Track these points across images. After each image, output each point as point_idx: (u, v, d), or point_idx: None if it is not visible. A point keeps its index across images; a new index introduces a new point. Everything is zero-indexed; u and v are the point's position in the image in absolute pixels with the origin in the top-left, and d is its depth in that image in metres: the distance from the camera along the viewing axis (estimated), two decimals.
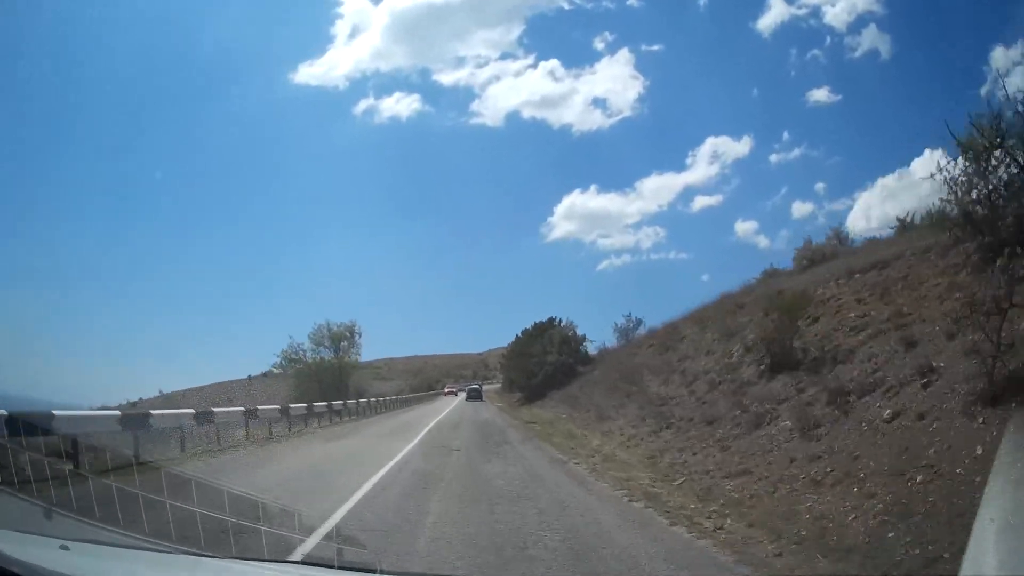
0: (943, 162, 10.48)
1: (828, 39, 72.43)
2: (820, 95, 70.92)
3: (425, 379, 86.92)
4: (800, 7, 77.53)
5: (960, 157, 10.96)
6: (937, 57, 58.10)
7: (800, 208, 78.24)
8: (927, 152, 59.01)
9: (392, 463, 11.97)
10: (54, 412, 10.10)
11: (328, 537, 4.69)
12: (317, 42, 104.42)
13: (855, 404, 9.62)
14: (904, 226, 21.38)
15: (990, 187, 10.17)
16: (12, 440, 8.42)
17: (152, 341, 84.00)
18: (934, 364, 8.89)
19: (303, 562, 3.65)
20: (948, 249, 12.43)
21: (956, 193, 12.41)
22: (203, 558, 3.10)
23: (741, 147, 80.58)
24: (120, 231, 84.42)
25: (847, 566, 5.28)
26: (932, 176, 10.68)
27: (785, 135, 77.04)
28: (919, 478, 6.56)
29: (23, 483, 4.67)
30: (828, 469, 8.00)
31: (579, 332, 42.43)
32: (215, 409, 16.36)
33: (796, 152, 74.26)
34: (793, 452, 9.20)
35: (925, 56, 60.27)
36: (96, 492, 4.16)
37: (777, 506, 7.52)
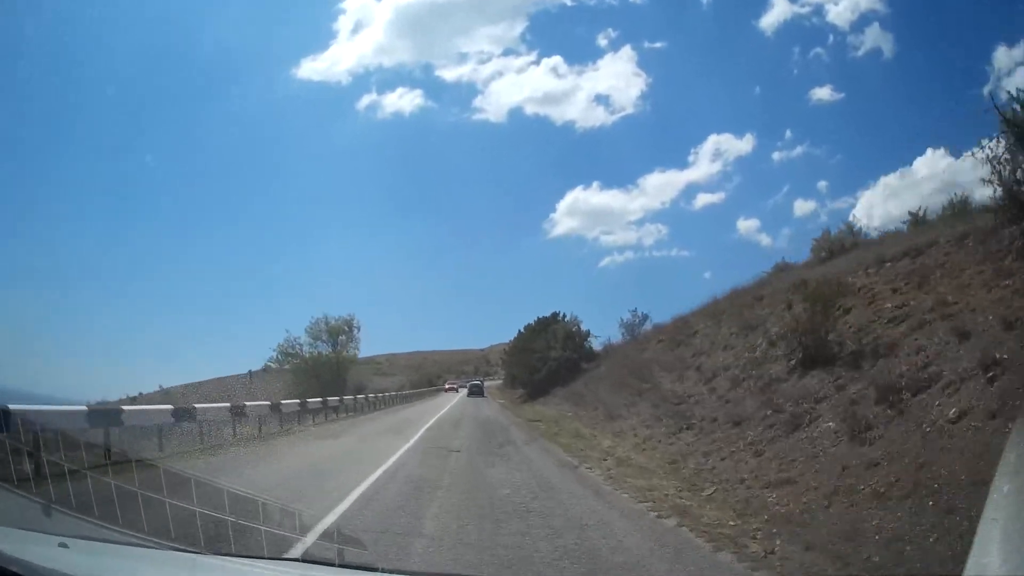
0: (985, 141, 9.60)
1: (831, 38, 74.47)
2: (823, 93, 71.86)
3: (426, 375, 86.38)
4: (803, 5, 76.96)
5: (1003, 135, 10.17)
6: (939, 56, 57.97)
7: (802, 206, 79.46)
8: (929, 151, 59.27)
9: (385, 467, 10.77)
10: (9, 407, 8.96)
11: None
12: (320, 37, 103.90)
13: (910, 402, 8.46)
14: (917, 220, 20.46)
15: None
16: None
17: (155, 338, 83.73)
18: (997, 356, 7.77)
19: (303, 559, 3.61)
20: (989, 234, 11.59)
21: (999, 173, 11.41)
22: (202, 556, 3.03)
23: (743, 145, 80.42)
24: (122, 228, 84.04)
25: None
26: (972, 154, 9.78)
27: (788, 133, 77.68)
28: (1005, 488, 5.38)
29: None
30: (892, 478, 6.82)
31: (583, 327, 41.40)
32: (197, 406, 15.12)
33: (798, 150, 74.23)
34: (844, 458, 8.02)
35: (928, 55, 60.14)
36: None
37: (836, 524, 6.35)
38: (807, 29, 68.65)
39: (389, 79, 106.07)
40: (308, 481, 9.38)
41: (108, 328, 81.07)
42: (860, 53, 63.64)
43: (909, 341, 10.29)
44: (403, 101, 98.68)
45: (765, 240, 73.90)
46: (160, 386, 64.25)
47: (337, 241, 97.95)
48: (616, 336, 35.16)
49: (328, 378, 42.38)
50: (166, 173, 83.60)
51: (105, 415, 11.75)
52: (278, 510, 4.06)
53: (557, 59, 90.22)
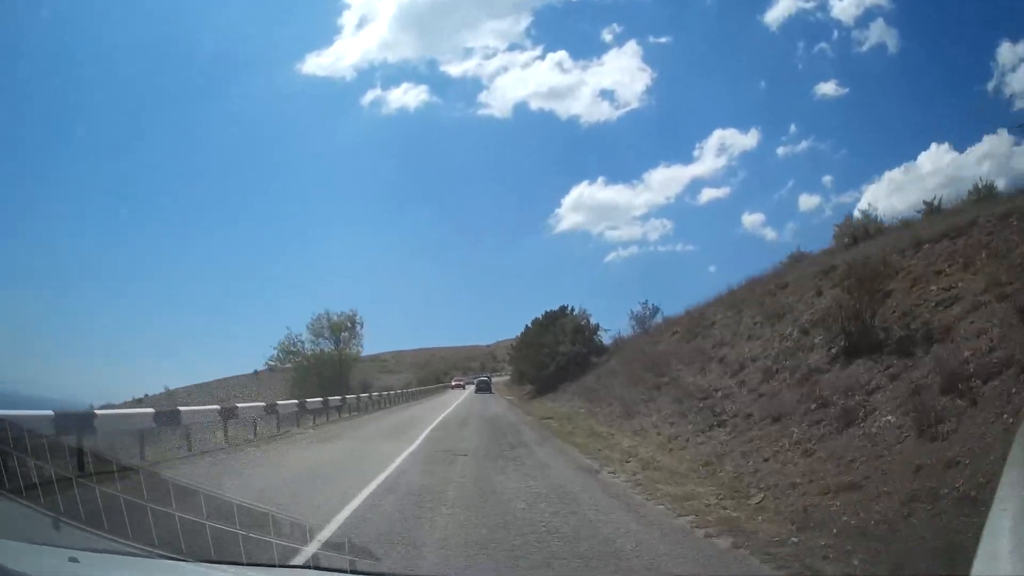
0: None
1: (836, 33, 74.88)
2: (827, 88, 71.71)
3: (432, 371, 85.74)
4: (807, 0, 75.23)
5: None
6: (943, 52, 57.36)
7: (807, 201, 79.84)
8: (933, 146, 58.96)
9: (384, 475, 9.61)
10: None
11: None
12: (324, 32, 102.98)
13: (983, 391, 7.31)
14: (931, 209, 19.43)
15: None
16: None
17: (160, 338, 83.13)
18: None
19: (313, 566, 3.65)
20: None
21: None
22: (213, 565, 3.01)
23: (748, 140, 79.98)
24: (126, 228, 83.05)
25: None
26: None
27: (792, 128, 78.23)
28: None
29: None
30: (981, 478, 5.65)
31: (592, 321, 40.20)
32: (182, 408, 13.93)
33: (803, 145, 74.40)
34: (915, 456, 6.85)
35: (931, 51, 59.60)
36: None
37: (924, 537, 5.21)
38: (812, 24, 69.04)
39: (394, 75, 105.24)
40: (295, 494, 8.19)
41: (113, 329, 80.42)
42: (864, 48, 63.54)
43: (965, 324, 9.30)
44: (408, 97, 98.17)
45: (770, 235, 73.68)
46: (165, 387, 63.97)
47: (342, 239, 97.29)
48: (625, 329, 33.90)
49: (330, 376, 41.17)
50: (170, 171, 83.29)
51: (76, 421, 10.59)
52: (248, 539, 3.55)
53: (562, 54, 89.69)
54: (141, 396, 50.53)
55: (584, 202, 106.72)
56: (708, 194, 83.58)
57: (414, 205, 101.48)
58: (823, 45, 73.51)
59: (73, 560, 2.38)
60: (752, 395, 12.67)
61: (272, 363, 47.42)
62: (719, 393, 14.21)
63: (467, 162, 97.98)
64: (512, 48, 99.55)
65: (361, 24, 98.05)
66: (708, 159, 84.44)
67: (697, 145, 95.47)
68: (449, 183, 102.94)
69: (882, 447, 7.59)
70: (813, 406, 10.03)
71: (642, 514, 6.99)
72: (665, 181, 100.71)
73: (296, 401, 22.56)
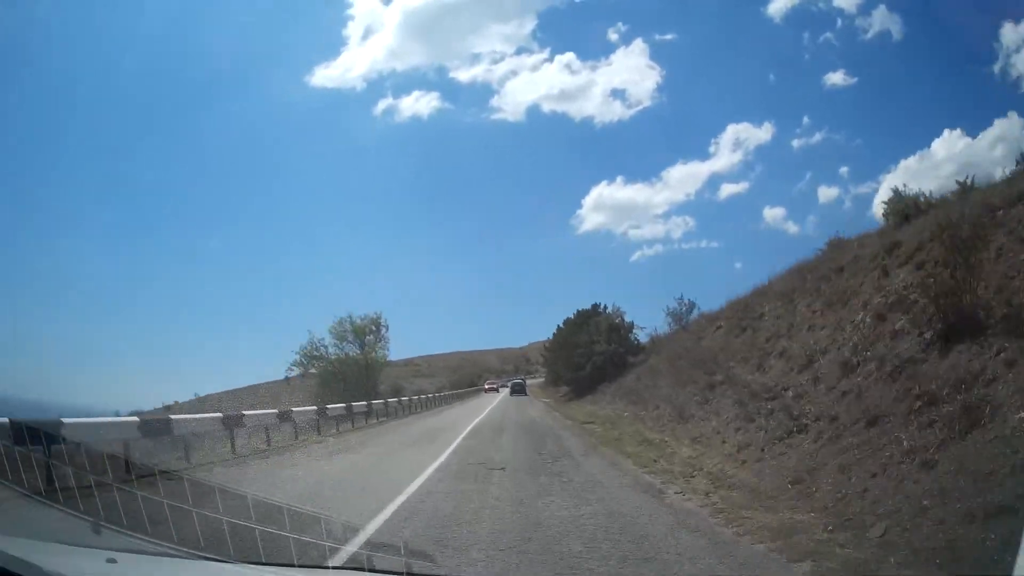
0: None
1: (839, 22, 72.33)
2: (836, 78, 69.94)
3: (466, 375, 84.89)
4: None
5: None
6: (946, 36, 55.17)
7: (826, 193, 77.67)
8: (946, 132, 56.67)
9: (402, 499, 7.95)
10: None
11: None
12: (330, 44, 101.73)
13: None
14: (964, 189, 17.41)
15: None
16: None
17: (191, 345, 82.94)
18: None
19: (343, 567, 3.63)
20: None
21: None
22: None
23: (763, 133, 78.55)
24: (151, 236, 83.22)
25: None
26: None
27: (805, 119, 77.44)
28: None
29: None
30: None
31: (627, 319, 38.29)
32: (173, 417, 12.44)
33: (818, 136, 72.90)
34: None
35: (935, 36, 58.08)
36: None
37: None
38: (814, 14, 66.29)
39: (404, 83, 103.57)
40: (298, 523, 6.56)
41: (143, 334, 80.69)
42: (869, 36, 61.45)
43: None
44: (420, 104, 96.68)
45: (792, 228, 71.61)
46: (196, 394, 63.40)
47: (368, 247, 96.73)
48: (661, 327, 31.92)
49: (355, 381, 39.77)
50: (204, 184, 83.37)
51: (39, 432, 9.11)
52: None
53: (570, 55, 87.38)
54: (171, 403, 49.94)
55: (604, 202, 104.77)
56: (728, 189, 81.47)
57: (437, 212, 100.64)
58: (828, 35, 71.72)
59: (111, 561, 2.37)
60: (833, 393, 10.70)
61: (296, 368, 46.31)
62: (789, 392, 12.26)
63: (485, 166, 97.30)
64: (520, 51, 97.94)
65: (367, 35, 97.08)
66: (724, 154, 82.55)
67: (712, 141, 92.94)
68: (469, 189, 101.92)
69: None
70: (918, 404, 8.10)
71: (741, 560, 5.17)
72: (683, 178, 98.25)
73: (315, 408, 21.07)
